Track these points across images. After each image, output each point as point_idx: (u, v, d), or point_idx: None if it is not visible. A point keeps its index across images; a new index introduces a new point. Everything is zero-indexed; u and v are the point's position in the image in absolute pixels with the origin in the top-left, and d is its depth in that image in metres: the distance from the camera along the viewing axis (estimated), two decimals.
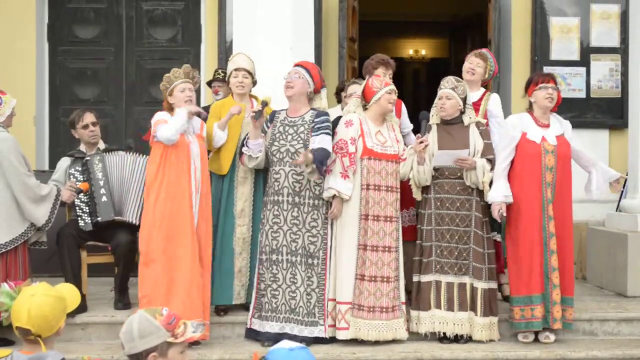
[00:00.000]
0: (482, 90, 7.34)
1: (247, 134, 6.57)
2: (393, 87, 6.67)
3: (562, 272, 6.57)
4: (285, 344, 3.39)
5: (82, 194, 6.94)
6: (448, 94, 6.66)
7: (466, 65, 7.31)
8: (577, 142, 6.80)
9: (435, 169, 6.58)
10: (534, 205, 6.58)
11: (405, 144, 6.85)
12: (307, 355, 3.33)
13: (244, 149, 6.53)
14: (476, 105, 7.12)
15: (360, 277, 6.50)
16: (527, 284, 6.57)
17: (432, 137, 6.66)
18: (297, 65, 6.72)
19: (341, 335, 6.50)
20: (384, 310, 6.49)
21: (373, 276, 6.49)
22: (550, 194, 6.57)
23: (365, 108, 6.67)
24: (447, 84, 6.70)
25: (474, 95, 7.20)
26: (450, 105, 6.66)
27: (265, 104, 6.54)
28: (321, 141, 6.43)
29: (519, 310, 6.61)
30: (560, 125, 6.73)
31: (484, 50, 7.54)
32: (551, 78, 6.71)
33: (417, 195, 6.68)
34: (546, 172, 6.58)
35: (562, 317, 6.55)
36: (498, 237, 7.08)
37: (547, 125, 6.68)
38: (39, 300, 3.53)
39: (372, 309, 6.47)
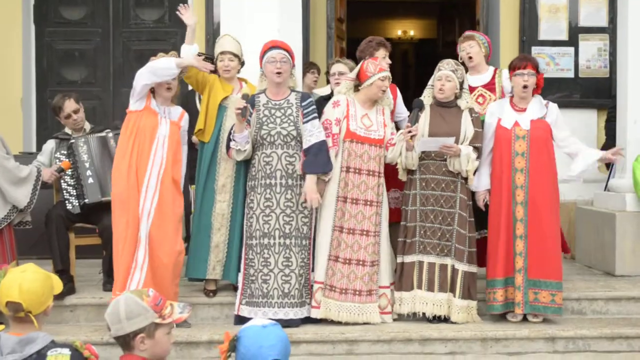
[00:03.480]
0: (492, 68, 7.29)
1: (232, 128, 6.49)
2: (387, 74, 6.60)
3: (540, 257, 6.55)
4: (257, 321, 3.39)
5: (64, 173, 6.92)
6: (448, 76, 6.62)
7: (462, 55, 7.20)
8: (561, 129, 6.73)
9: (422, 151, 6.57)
10: (502, 191, 6.63)
11: (397, 128, 6.83)
12: (279, 332, 3.33)
13: (232, 144, 6.44)
14: (491, 85, 7.11)
15: (334, 258, 6.50)
16: (493, 268, 6.65)
17: (424, 118, 6.63)
18: (277, 47, 6.55)
19: (313, 313, 6.52)
20: (357, 293, 6.49)
21: (348, 259, 6.50)
22: (522, 180, 6.58)
23: (357, 89, 6.66)
24: (448, 65, 6.65)
25: (485, 76, 7.19)
26: (449, 87, 6.62)
27: (246, 96, 6.46)
28: (312, 129, 6.44)
29: (489, 292, 6.67)
30: (540, 108, 6.70)
31: (466, 33, 7.47)
32: (528, 62, 6.68)
33: (402, 176, 6.67)
34: (516, 158, 6.60)
35: (550, 301, 6.58)
36: (484, 233, 6.97)
37: (524, 110, 6.68)
38: (30, 276, 3.55)
39: (344, 291, 6.48)
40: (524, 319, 6.69)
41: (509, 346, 6.48)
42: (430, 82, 6.79)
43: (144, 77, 6.39)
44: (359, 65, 6.71)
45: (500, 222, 6.63)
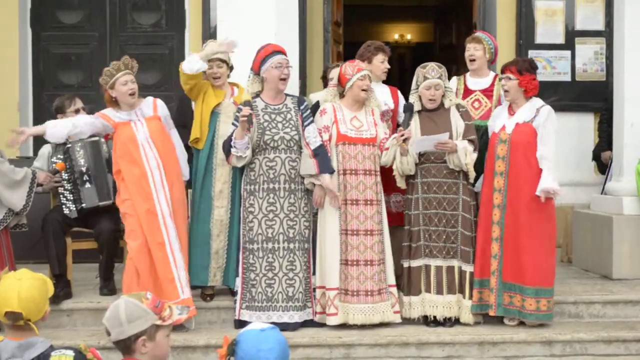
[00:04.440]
0: (493, 74, 7.28)
1: (232, 133, 6.43)
2: (366, 72, 6.64)
3: (515, 261, 6.50)
4: (255, 325, 3.40)
5: (59, 175, 6.90)
6: (437, 84, 6.62)
7: (466, 55, 7.25)
8: (543, 141, 6.54)
9: (421, 154, 6.58)
10: (485, 193, 6.66)
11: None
12: (278, 335, 3.34)
13: (233, 150, 6.39)
14: (489, 92, 7.11)
15: (344, 262, 6.51)
16: (480, 267, 6.63)
17: (414, 124, 6.64)
18: (280, 52, 6.56)
19: (331, 321, 6.50)
20: (369, 293, 6.50)
21: (355, 260, 6.51)
22: (501, 183, 6.58)
23: (342, 95, 6.68)
24: (433, 72, 6.64)
25: (485, 81, 7.20)
26: (439, 95, 6.64)
27: (249, 103, 6.41)
28: (314, 132, 6.50)
29: (476, 292, 6.66)
30: (530, 112, 6.61)
31: (476, 34, 7.48)
32: (507, 67, 6.61)
33: (401, 184, 6.68)
34: (497, 162, 6.60)
35: (521, 306, 6.53)
36: None
37: (514, 114, 6.65)
38: (27, 283, 3.53)
39: (356, 293, 6.48)
40: (521, 323, 6.68)
41: (506, 350, 6.48)
42: (413, 86, 6.75)
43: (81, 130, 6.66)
44: (337, 71, 6.74)
45: (480, 224, 6.65)
